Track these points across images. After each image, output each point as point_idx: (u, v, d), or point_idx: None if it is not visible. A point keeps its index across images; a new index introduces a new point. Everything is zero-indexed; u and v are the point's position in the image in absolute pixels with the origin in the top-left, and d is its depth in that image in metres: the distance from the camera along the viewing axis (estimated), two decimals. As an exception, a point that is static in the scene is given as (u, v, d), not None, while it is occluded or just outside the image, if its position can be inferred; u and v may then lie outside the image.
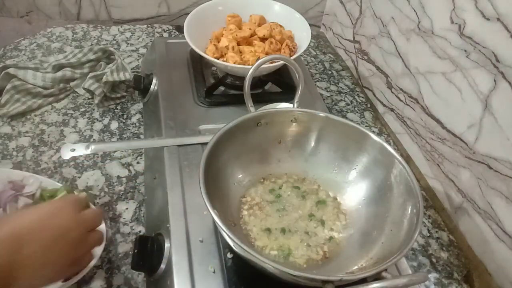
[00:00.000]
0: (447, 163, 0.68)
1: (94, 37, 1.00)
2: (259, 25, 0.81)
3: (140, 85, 0.79)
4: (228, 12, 0.82)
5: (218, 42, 0.79)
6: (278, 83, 0.80)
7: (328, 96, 0.92)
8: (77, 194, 0.59)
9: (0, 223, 0.40)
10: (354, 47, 0.99)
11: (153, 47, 0.89)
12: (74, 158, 0.70)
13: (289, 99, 0.68)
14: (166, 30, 1.05)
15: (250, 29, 0.79)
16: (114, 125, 0.78)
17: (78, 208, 0.46)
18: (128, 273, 0.56)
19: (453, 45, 0.65)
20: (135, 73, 0.85)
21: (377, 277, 0.43)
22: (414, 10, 0.74)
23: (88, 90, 0.81)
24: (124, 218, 0.63)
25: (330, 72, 0.99)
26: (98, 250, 0.53)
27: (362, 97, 0.93)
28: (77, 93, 0.83)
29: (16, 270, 0.37)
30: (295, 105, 0.63)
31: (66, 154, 0.61)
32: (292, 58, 0.68)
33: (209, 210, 0.44)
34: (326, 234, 0.55)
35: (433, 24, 0.69)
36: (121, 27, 1.04)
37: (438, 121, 0.70)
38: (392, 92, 0.84)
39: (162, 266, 0.51)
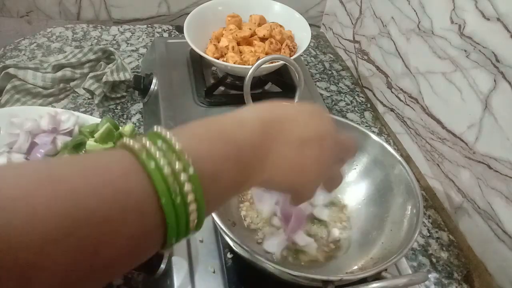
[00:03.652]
0: (447, 163, 0.68)
1: (94, 37, 1.00)
2: (259, 25, 0.81)
3: (140, 85, 0.79)
4: (228, 12, 0.82)
5: (218, 42, 0.79)
6: (278, 83, 0.80)
7: (328, 96, 0.92)
8: (122, 128, 0.53)
9: (246, 109, 0.35)
10: (354, 47, 0.99)
11: (153, 47, 0.89)
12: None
13: (289, 99, 0.68)
14: (166, 30, 1.06)
15: (250, 29, 0.79)
16: (114, 125, 0.78)
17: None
18: (128, 273, 0.56)
19: (453, 45, 0.65)
20: (135, 73, 0.85)
21: (377, 277, 0.43)
22: (414, 10, 0.74)
23: (88, 90, 0.81)
24: (124, 218, 0.63)
25: (330, 72, 0.99)
26: None
27: (362, 97, 0.93)
28: (77, 93, 0.83)
29: (263, 158, 0.32)
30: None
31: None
32: (292, 58, 0.68)
33: (209, 210, 0.44)
34: (327, 234, 0.55)
35: (433, 24, 0.69)
36: (121, 27, 1.04)
37: (438, 121, 0.70)
38: (392, 92, 0.84)
39: (162, 266, 0.51)
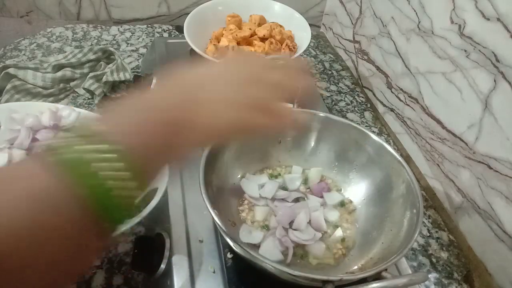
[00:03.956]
0: (447, 163, 0.68)
1: (94, 37, 1.00)
2: (259, 25, 0.81)
3: (140, 85, 0.79)
4: (228, 12, 0.83)
5: (218, 42, 0.79)
6: (278, 83, 0.79)
7: (328, 96, 0.92)
8: None
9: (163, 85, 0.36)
10: (354, 47, 0.99)
11: (153, 47, 0.89)
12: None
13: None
14: (166, 30, 1.05)
15: (250, 29, 0.79)
16: (114, 125, 0.78)
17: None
18: (128, 273, 0.56)
19: (453, 45, 0.65)
20: (135, 73, 0.85)
21: (377, 277, 0.43)
22: (414, 10, 0.74)
23: (88, 90, 0.81)
24: (124, 218, 0.63)
25: (330, 72, 0.99)
26: None
27: (362, 97, 0.93)
28: (77, 93, 0.83)
29: (190, 110, 0.32)
30: (295, 105, 0.63)
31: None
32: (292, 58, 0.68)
33: (209, 210, 0.44)
34: (339, 234, 0.55)
35: (433, 24, 0.69)
36: (121, 27, 1.04)
37: (438, 121, 0.70)
38: (392, 92, 0.84)
39: (162, 266, 0.51)
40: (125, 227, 0.42)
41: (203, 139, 0.35)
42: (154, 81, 0.79)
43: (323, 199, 0.58)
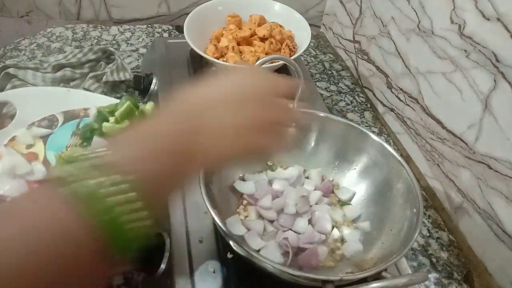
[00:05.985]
0: (447, 163, 0.68)
1: (94, 37, 1.00)
2: (259, 25, 0.81)
3: (140, 85, 0.79)
4: (228, 12, 0.83)
5: (218, 42, 0.79)
6: (278, 83, 0.79)
7: (328, 96, 0.92)
8: (142, 106, 0.54)
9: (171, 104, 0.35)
10: (354, 47, 0.99)
11: (153, 47, 0.89)
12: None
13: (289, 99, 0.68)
14: (166, 30, 1.05)
15: (250, 29, 0.79)
16: (114, 125, 0.78)
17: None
18: (128, 273, 0.56)
19: (453, 45, 0.65)
20: (135, 73, 0.85)
21: (377, 277, 0.43)
22: (414, 10, 0.74)
23: (88, 90, 0.81)
24: (124, 218, 0.63)
25: (330, 72, 0.99)
26: None
27: (362, 97, 0.93)
28: (77, 93, 0.83)
29: (195, 142, 0.33)
30: (295, 105, 0.63)
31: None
32: (292, 58, 0.68)
33: (209, 210, 0.44)
34: (338, 234, 0.55)
35: (433, 24, 0.69)
36: (121, 27, 1.04)
37: (438, 121, 0.70)
38: (392, 92, 0.84)
39: (162, 266, 0.51)
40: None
41: (208, 166, 0.38)
42: (154, 81, 0.79)
43: (323, 199, 0.58)
